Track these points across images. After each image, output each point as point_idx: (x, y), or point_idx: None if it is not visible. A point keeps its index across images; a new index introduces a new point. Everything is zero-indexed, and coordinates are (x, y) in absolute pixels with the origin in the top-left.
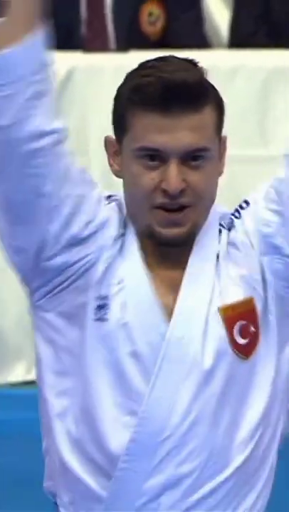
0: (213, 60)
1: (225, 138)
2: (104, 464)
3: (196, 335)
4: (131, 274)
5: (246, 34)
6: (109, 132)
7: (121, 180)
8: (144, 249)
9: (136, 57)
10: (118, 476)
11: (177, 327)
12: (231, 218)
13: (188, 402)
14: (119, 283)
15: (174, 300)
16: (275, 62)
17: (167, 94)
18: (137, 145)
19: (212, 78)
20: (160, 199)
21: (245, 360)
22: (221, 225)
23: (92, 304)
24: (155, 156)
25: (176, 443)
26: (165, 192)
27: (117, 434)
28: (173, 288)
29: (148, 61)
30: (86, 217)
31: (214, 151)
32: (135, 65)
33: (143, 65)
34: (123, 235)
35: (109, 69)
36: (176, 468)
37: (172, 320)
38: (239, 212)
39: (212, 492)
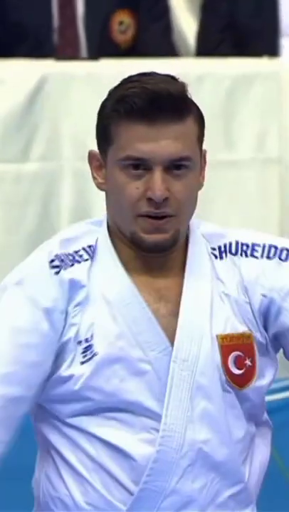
0: (180, 67)
1: (205, 152)
2: (125, 480)
3: (195, 356)
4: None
5: (212, 43)
6: (82, 139)
7: (92, 185)
8: (124, 258)
9: (106, 65)
10: (140, 494)
11: (181, 349)
12: (245, 251)
13: (200, 419)
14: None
15: (166, 309)
16: (240, 69)
17: (152, 104)
18: (122, 155)
19: None
20: (145, 208)
21: (238, 391)
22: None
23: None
24: (139, 166)
25: (191, 460)
26: (150, 200)
27: (140, 449)
28: (160, 297)
29: (131, 76)
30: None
31: (196, 161)
32: (106, 73)
33: (127, 80)
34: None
35: (81, 76)
36: (191, 485)
37: (176, 341)
38: (269, 257)
39: (222, 505)
